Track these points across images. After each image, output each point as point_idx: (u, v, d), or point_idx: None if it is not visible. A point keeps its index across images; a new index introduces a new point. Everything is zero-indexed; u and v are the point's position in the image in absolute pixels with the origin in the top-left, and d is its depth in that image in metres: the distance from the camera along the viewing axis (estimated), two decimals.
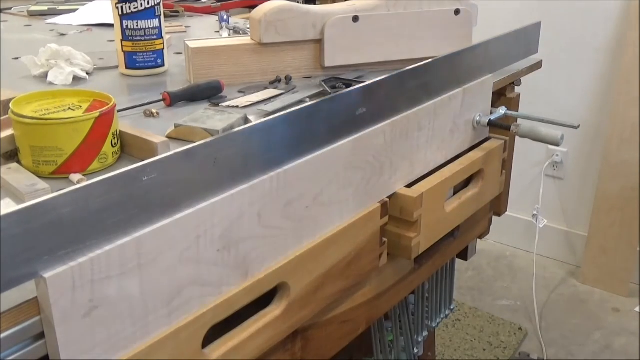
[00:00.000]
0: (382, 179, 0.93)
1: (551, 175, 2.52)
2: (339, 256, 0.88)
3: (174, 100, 1.00)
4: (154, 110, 0.96)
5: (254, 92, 1.05)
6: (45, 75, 1.13)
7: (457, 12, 1.19)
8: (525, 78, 1.34)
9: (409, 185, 0.99)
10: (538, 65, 1.34)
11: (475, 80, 1.10)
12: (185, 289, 0.67)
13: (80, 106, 0.80)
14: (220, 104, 0.99)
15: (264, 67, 1.12)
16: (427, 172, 1.04)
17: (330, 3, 1.35)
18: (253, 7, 1.42)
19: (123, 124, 0.85)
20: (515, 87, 1.33)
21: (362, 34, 1.14)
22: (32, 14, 1.81)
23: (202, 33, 1.60)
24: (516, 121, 1.18)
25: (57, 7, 1.85)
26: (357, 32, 1.13)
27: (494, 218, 1.36)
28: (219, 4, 1.99)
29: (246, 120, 0.91)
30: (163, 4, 1.19)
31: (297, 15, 1.10)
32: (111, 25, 1.19)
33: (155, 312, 0.65)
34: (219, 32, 1.59)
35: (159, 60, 1.19)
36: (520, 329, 2.17)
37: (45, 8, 1.84)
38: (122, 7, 1.13)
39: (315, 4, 2.04)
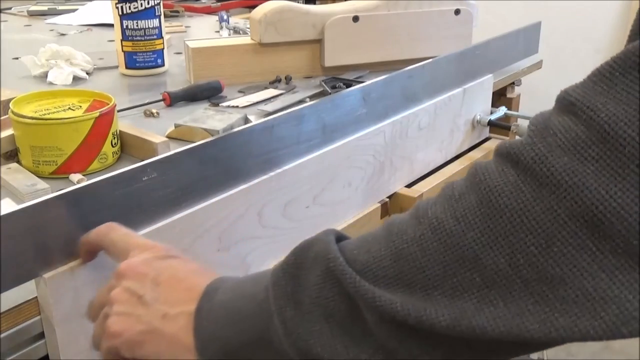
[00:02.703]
0: (382, 178, 0.93)
1: None
2: None
3: (174, 100, 1.00)
4: (154, 110, 0.96)
5: (254, 92, 1.05)
6: (45, 75, 1.13)
7: (457, 12, 1.19)
8: (525, 78, 1.34)
9: (409, 185, 0.99)
10: (538, 65, 1.34)
11: (475, 80, 1.10)
12: None
13: (80, 106, 0.80)
14: (220, 104, 0.99)
15: (264, 67, 1.12)
16: (427, 172, 1.04)
17: (330, 3, 1.35)
18: (253, 7, 1.42)
19: (123, 124, 0.85)
20: (515, 87, 1.33)
21: (362, 34, 1.14)
22: (32, 14, 1.81)
23: (202, 33, 1.60)
24: (516, 121, 1.18)
25: (57, 7, 1.85)
26: (357, 32, 1.13)
27: None
28: (219, 4, 1.99)
29: (246, 120, 0.91)
30: (163, 4, 1.19)
31: (297, 15, 1.10)
32: (111, 25, 1.19)
33: None
34: (219, 32, 1.59)
35: (159, 60, 1.19)
36: None
37: (45, 8, 1.84)
38: (122, 7, 1.13)
39: (315, 4, 2.03)
